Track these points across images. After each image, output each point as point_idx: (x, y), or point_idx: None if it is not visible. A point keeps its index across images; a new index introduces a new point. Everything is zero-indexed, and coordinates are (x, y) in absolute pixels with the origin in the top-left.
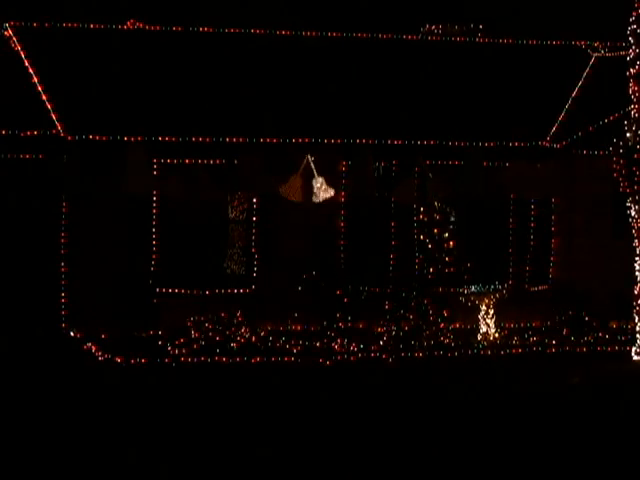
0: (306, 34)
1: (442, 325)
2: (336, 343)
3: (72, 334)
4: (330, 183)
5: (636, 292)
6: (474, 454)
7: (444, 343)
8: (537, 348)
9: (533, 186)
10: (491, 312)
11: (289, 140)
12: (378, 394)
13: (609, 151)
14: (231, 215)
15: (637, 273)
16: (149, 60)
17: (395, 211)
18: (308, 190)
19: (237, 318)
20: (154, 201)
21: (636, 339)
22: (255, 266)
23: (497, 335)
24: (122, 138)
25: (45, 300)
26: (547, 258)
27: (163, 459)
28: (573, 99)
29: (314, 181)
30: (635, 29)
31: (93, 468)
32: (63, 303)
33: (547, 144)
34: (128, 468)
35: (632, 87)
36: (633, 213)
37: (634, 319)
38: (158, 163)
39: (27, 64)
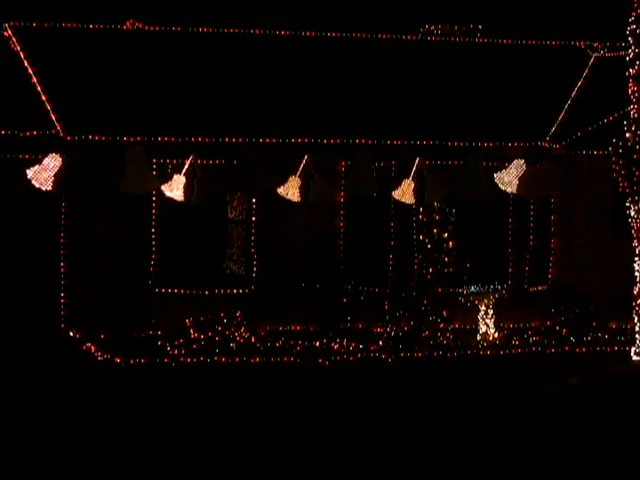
0: (306, 34)
1: (442, 325)
2: (336, 343)
3: (71, 334)
4: (330, 183)
5: (636, 292)
6: (474, 454)
7: (444, 343)
8: (537, 348)
9: (533, 186)
10: (491, 312)
11: (289, 140)
12: (378, 394)
13: (609, 151)
14: (230, 215)
15: (637, 273)
16: (149, 60)
17: (395, 211)
18: (308, 190)
19: (236, 318)
20: (154, 201)
21: (636, 339)
22: (254, 266)
23: (497, 335)
24: (121, 138)
25: (45, 300)
26: (547, 258)
27: (163, 459)
28: (573, 99)
29: (314, 181)
30: (635, 29)
31: (93, 468)
32: (63, 303)
33: (547, 144)
34: (128, 468)
35: (632, 87)
36: (633, 213)
37: (634, 319)
38: (158, 163)
39: (27, 64)
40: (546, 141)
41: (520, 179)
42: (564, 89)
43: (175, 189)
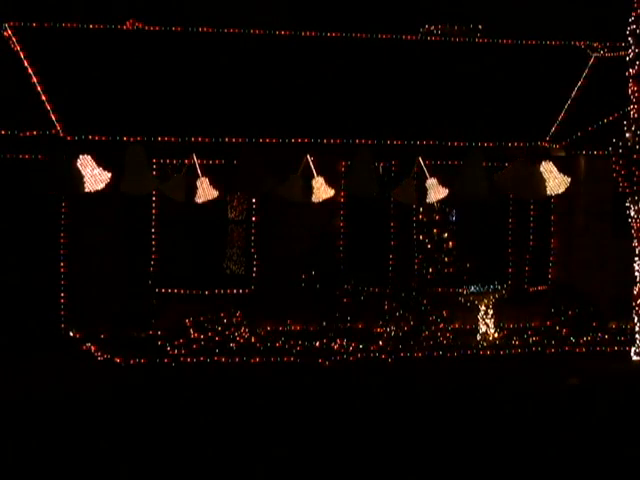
0: (306, 34)
1: (442, 325)
2: (336, 343)
3: (71, 334)
4: (330, 183)
5: (636, 292)
6: (474, 454)
7: (444, 343)
8: (537, 348)
9: (533, 186)
10: (491, 312)
11: (289, 140)
12: (378, 394)
13: (609, 151)
14: (230, 215)
15: (637, 273)
16: (149, 60)
17: (395, 211)
18: (308, 190)
19: (236, 318)
20: (154, 201)
21: (635, 339)
22: (254, 266)
23: (497, 335)
24: (122, 138)
25: (45, 300)
26: (547, 258)
27: (163, 459)
28: (573, 99)
29: (314, 181)
30: (635, 29)
31: (93, 468)
32: (63, 303)
33: (547, 144)
34: (127, 468)
35: (632, 87)
36: (632, 213)
37: (634, 319)
38: (158, 163)
39: (27, 64)
40: (546, 141)
41: (520, 179)
42: (564, 89)
43: (175, 189)
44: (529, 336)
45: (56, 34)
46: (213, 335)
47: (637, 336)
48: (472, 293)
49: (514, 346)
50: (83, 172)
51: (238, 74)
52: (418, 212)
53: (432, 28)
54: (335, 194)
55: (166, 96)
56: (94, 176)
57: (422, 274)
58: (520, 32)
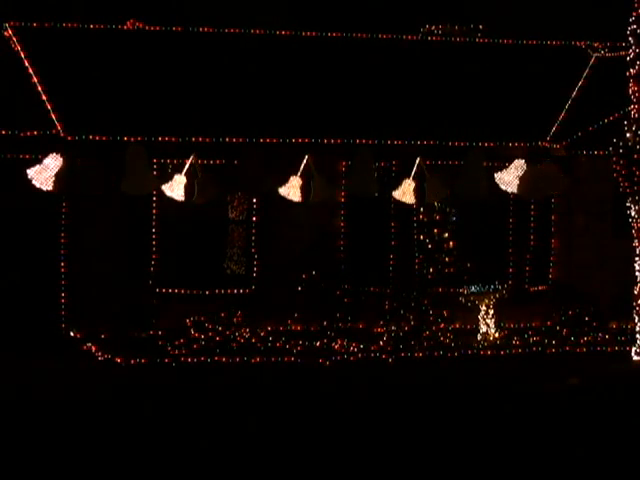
0: (306, 34)
1: (442, 325)
2: (336, 343)
3: (71, 334)
4: (330, 183)
5: (636, 292)
6: (474, 454)
7: (444, 343)
8: (537, 348)
9: (533, 186)
10: (491, 312)
11: (289, 140)
12: (378, 394)
13: (609, 151)
14: (231, 215)
15: (637, 273)
16: (149, 60)
17: (395, 211)
18: (308, 190)
19: (237, 318)
20: (154, 201)
21: (636, 339)
22: (255, 266)
23: (497, 335)
24: (122, 138)
25: (45, 300)
26: (547, 258)
27: (163, 459)
28: (573, 99)
29: (314, 181)
30: (635, 29)
31: (93, 469)
32: (63, 303)
33: (547, 144)
34: (128, 468)
35: (632, 87)
36: (633, 213)
37: (634, 319)
38: (158, 163)
39: (27, 64)
40: (546, 141)
41: (520, 179)
42: (564, 89)
43: (175, 189)
44: (529, 336)
45: (56, 34)
46: (213, 335)
47: (637, 336)
48: (472, 293)
49: (514, 346)
50: (83, 172)
51: (238, 74)
52: (418, 212)
53: (433, 28)
54: (335, 194)
55: (166, 96)
56: (94, 176)
57: (422, 274)
58: (520, 32)
